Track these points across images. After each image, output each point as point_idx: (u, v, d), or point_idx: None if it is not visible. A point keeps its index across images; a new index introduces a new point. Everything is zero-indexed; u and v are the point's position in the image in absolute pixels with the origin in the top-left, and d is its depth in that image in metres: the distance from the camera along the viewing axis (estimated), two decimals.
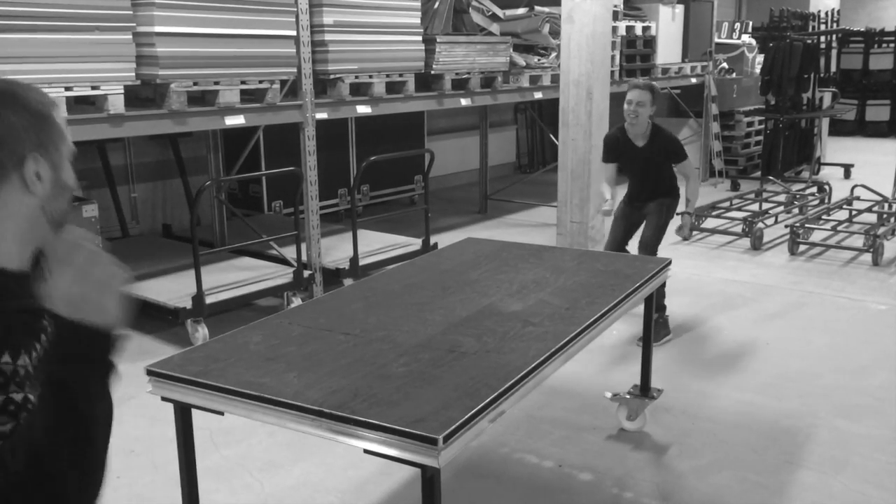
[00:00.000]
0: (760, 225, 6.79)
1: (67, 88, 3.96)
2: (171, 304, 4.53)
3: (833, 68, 10.26)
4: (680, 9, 9.13)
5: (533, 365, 2.22)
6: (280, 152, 6.85)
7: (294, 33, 4.84)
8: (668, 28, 8.90)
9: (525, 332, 2.50)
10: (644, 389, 3.47)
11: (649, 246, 4.49)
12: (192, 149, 6.79)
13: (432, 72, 5.92)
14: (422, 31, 5.77)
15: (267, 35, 4.70)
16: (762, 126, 10.16)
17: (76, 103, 4.20)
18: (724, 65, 10.56)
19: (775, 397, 3.81)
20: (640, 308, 3.40)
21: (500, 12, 6.70)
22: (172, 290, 4.79)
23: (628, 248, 4.69)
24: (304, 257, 5.28)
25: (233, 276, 5.05)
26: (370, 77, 5.42)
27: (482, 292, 2.92)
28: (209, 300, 4.57)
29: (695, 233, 7.07)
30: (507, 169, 10.82)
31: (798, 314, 5.02)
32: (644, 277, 3.08)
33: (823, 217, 7.09)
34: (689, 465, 3.20)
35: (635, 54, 8.32)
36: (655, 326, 4.25)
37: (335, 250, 5.83)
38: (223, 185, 6.19)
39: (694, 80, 9.61)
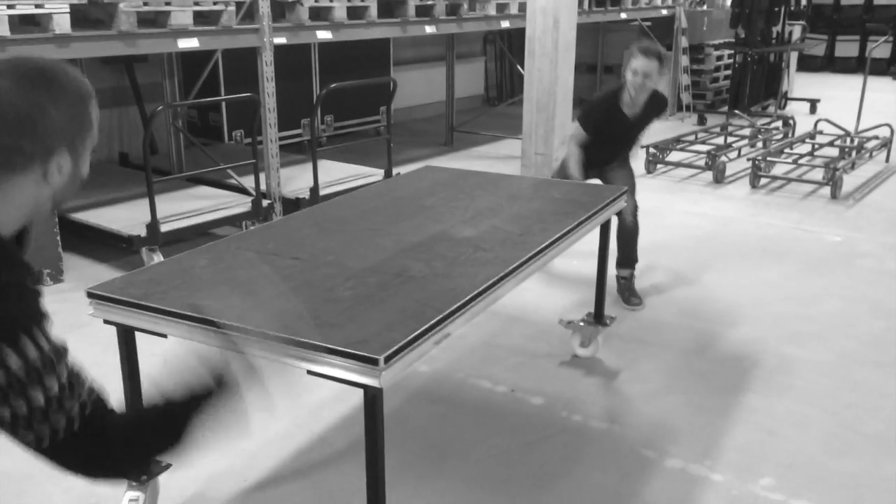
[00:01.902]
0: (723, 158, 6.81)
1: (10, 7, 3.79)
2: (125, 231, 4.45)
3: (804, 2, 10.15)
4: None
5: (480, 289, 2.22)
6: (240, 79, 6.67)
7: None
8: None
9: (475, 257, 2.49)
10: (597, 317, 3.51)
11: (633, 227, 4.15)
12: (149, 74, 6.60)
13: None
14: None
15: None
16: (732, 60, 10.11)
17: (20, 23, 4.03)
18: None
19: (726, 325, 3.88)
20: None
21: None
22: (127, 217, 4.70)
23: None
24: (263, 187, 5.21)
25: (189, 205, 4.96)
26: (331, 1, 5.26)
27: (436, 219, 2.90)
28: (164, 228, 4.50)
29: (658, 166, 7.10)
30: (475, 101, 10.69)
31: (754, 245, 5.08)
32: (599, 205, 3.08)
33: (786, 151, 7.13)
34: (638, 389, 3.27)
35: None
36: (626, 287, 4.18)
37: (296, 180, 5.75)
38: (179, 112, 6.04)
39: (665, 12, 9.49)
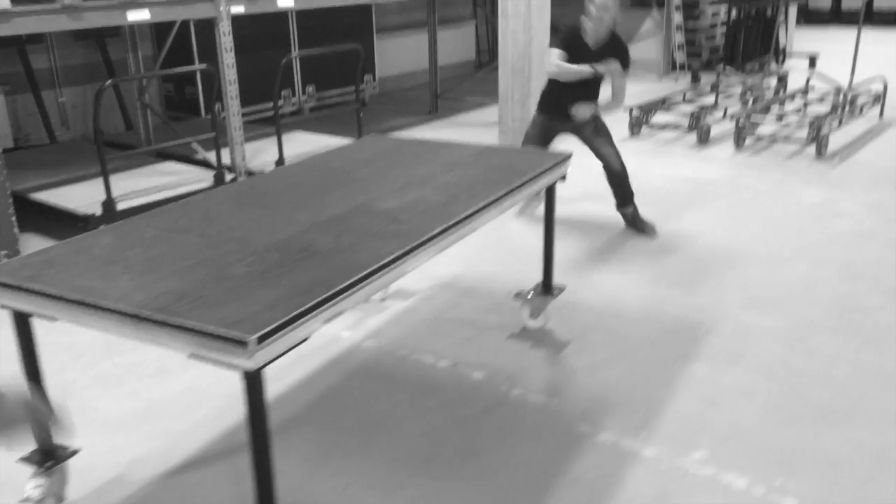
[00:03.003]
0: (708, 119, 6.63)
1: None
2: (81, 210, 4.40)
3: None
4: None
5: (380, 264, 2.13)
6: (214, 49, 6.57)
7: None
8: None
9: (388, 229, 2.40)
10: (546, 287, 3.42)
11: (621, 170, 4.49)
12: (124, 49, 6.50)
13: None
14: None
15: None
16: (727, 17, 9.83)
17: None
18: None
19: (687, 292, 3.78)
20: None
21: None
22: (86, 195, 4.65)
23: None
24: (229, 161, 5.14)
25: (152, 181, 4.91)
26: None
27: (362, 190, 2.81)
28: (122, 206, 4.45)
29: (644, 128, 6.93)
30: (467, 67, 10.50)
31: (730, 207, 4.94)
32: (535, 171, 2.97)
33: (773, 109, 6.93)
34: (585, 361, 3.19)
35: None
36: (634, 220, 4.56)
37: (265, 153, 5.67)
38: (146, 86, 5.95)
39: None
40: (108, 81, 4.49)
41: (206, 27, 6.20)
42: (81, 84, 6.62)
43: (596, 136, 4.47)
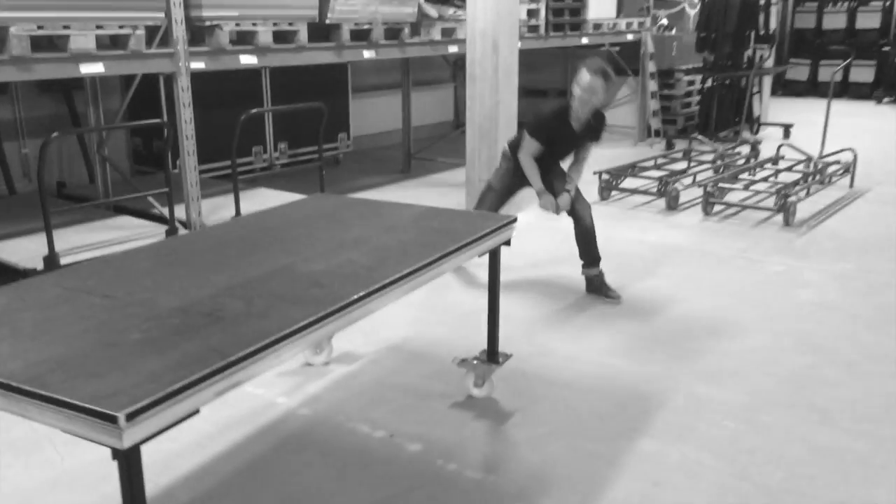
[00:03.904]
0: (677, 185, 6.59)
1: None
2: (22, 264, 4.26)
3: (773, 25, 9.97)
4: None
5: (285, 332, 1.99)
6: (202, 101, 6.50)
7: None
8: None
9: (306, 294, 2.27)
10: (491, 355, 3.28)
11: (592, 227, 4.44)
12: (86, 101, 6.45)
13: (327, 21, 5.59)
14: None
15: None
16: (701, 85, 9.94)
17: None
18: (664, 21, 10.28)
19: (641, 361, 3.64)
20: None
21: None
22: (32, 249, 4.50)
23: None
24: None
25: (101, 236, 4.77)
26: (254, 25, 5.10)
27: (291, 251, 2.69)
28: (65, 260, 4.31)
29: (613, 192, 6.88)
30: (445, 127, 10.53)
31: (692, 276, 4.85)
32: (474, 236, 2.86)
33: (743, 177, 6.91)
34: (528, 433, 3.02)
35: (563, 8, 8.01)
36: (598, 284, 4.45)
37: (225, 209, 5.56)
38: (105, 139, 5.87)
39: (630, 37, 9.33)
40: (54, 134, 4.40)
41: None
42: (44, 136, 6.53)
43: (580, 204, 4.43)
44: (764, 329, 4.00)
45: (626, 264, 5.01)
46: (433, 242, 2.77)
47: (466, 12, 5.90)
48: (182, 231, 4.95)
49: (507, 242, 3.14)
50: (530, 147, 4.31)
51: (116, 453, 1.64)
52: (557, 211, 4.38)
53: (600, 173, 6.74)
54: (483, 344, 3.35)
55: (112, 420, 1.57)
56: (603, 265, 4.49)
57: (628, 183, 7.00)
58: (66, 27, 4.15)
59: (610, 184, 6.79)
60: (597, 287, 4.47)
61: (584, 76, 4.13)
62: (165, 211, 5.08)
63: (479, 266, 4.92)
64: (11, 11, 3.91)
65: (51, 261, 4.22)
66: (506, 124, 5.98)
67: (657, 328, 4.03)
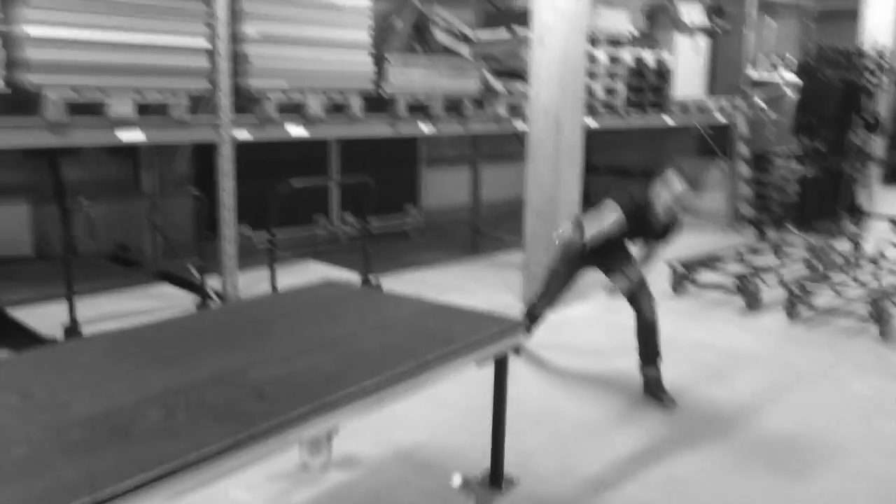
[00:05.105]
0: (758, 282, 5.97)
1: None
2: (45, 333, 4.17)
3: (881, 111, 9.21)
4: (704, 39, 8.41)
5: (186, 460, 1.68)
6: (251, 171, 6.48)
7: (206, 44, 4.46)
8: (688, 59, 8.19)
9: (239, 408, 1.96)
10: (494, 479, 2.85)
11: (653, 322, 4.09)
12: (147, 166, 6.51)
13: (383, 93, 5.44)
14: (370, 48, 5.31)
15: (172, 45, 4.33)
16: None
17: None
18: (762, 104, 9.71)
19: (682, 494, 3.11)
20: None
21: (470, 33, 6.19)
22: (61, 318, 4.43)
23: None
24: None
25: (135, 305, 4.68)
26: (302, 95, 4.99)
27: (255, 349, 2.40)
28: (88, 331, 4.19)
29: (690, 286, 6.32)
30: (518, 204, 10.16)
31: (761, 391, 4.25)
32: (468, 340, 2.49)
33: (839, 276, 6.21)
34: None
35: (643, 86, 7.65)
36: (654, 386, 4.03)
37: (265, 282, 5.39)
38: (156, 205, 5.86)
39: (721, 119, 8.82)
40: (85, 202, 4.35)
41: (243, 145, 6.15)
42: (108, 200, 6.63)
43: (632, 279, 4.07)
44: (835, 467, 3.38)
45: (690, 369, 4.47)
46: (415, 348, 2.41)
47: (530, 87, 5.63)
48: (215, 302, 4.79)
49: (518, 350, 2.74)
50: (611, 216, 3.95)
51: None
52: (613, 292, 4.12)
53: (672, 265, 6.20)
54: (505, 458, 2.92)
55: None
56: (663, 366, 4.02)
57: (705, 276, 6.42)
58: (101, 91, 4.12)
59: (684, 276, 6.24)
60: (651, 388, 4.06)
61: (676, 185, 3.87)
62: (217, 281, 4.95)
63: (555, 349, 4.51)
64: (47, 75, 3.90)
65: (71, 331, 4.12)
66: (567, 207, 5.61)
67: (705, 452, 3.47)
